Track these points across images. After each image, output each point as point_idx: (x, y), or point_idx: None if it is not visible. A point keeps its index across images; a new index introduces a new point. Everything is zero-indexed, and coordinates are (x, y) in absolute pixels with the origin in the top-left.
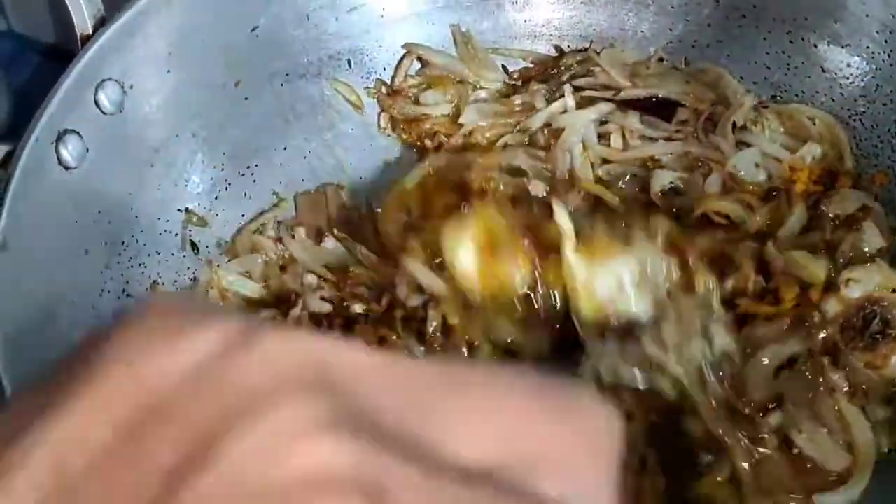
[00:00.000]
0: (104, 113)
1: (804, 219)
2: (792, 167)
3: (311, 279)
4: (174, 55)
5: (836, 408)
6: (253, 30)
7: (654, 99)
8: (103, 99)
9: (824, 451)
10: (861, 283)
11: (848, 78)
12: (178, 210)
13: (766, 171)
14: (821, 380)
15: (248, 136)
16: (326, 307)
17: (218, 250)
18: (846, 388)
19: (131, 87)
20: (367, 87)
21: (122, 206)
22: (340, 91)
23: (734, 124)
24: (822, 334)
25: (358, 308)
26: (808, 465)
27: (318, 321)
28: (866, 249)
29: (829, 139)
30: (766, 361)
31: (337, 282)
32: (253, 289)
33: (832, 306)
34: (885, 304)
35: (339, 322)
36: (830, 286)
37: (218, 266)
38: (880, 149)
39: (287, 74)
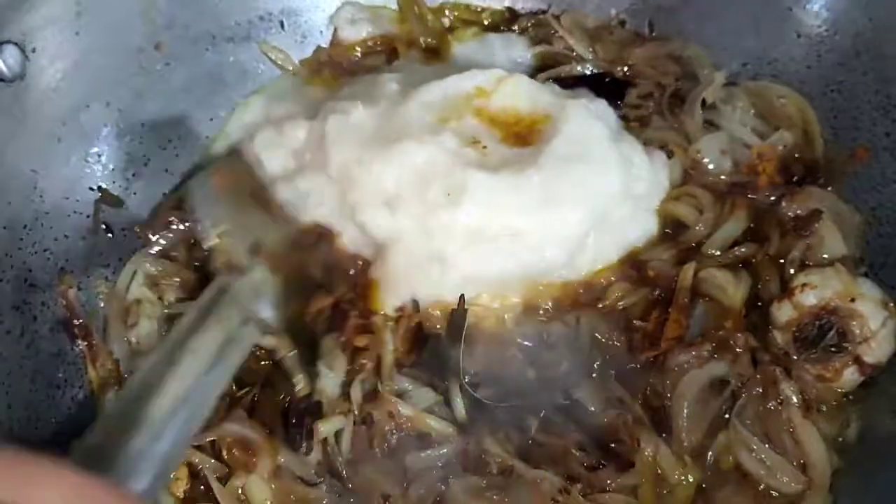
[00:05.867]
0: (3, 80)
1: (739, 229)
2: (760, 154)
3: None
4: (84, 15)
5: (791, 424)
6: None
7: (606, 79)
8: (1, 64)
9: (775, 471)
10: (817, 289)
11: (825, 44)
12: (90, 189)
13: (732, 159)
14: (771, 391)
15: (170, 105)
16: None
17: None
18: (796, 402)
19: (34, 50)
20: (302, 60)
21: (25, 186)
22: (272, 56)
23: (703, 102)
24: (747, 357)
25: None
26: (761, 489)
27: None
28: (825, 256)
29: (800, 121)
30: (689, 387)
31: None
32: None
33: (785, 312)
34: (843, 315)
35: None
36: (784, 290)
37: (147, 256)
38: (860, 121)
39: (213, 37)
